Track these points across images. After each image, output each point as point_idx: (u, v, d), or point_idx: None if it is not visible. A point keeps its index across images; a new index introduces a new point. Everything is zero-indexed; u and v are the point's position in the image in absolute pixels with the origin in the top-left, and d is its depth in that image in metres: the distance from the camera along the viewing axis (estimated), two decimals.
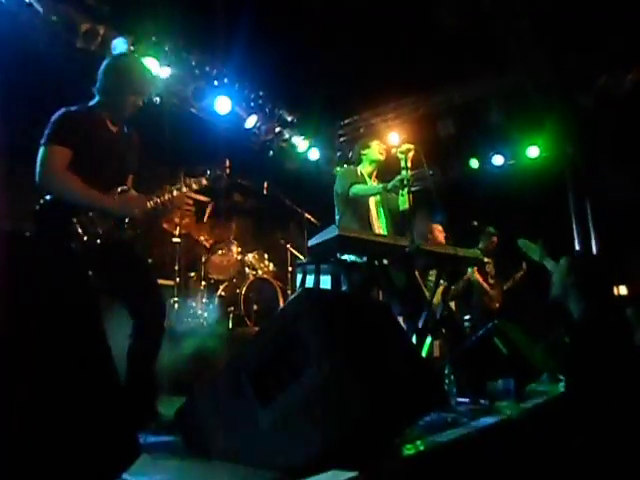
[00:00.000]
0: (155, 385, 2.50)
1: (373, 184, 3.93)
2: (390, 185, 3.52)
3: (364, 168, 3.97)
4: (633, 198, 5.76)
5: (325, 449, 1.55)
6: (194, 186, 2.78)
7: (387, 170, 4.00)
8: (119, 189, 2.57)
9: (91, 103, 2.63)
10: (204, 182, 2.85)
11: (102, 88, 2.61)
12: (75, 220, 2.37)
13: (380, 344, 1.97)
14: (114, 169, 2.57)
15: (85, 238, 2.37)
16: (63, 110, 2.49)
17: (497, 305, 5.84)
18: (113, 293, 2.43)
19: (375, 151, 3.93)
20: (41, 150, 2.40)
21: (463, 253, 3.58)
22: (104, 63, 2.65)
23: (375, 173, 4.00)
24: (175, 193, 2.68)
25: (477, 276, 5.77)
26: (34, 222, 2.41)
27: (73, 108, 2.53)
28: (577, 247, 7.01)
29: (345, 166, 4.09)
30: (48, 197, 2.41)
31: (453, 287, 5.51)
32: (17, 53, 4.03)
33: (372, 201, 3.86)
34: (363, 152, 3.99)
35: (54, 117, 2.46)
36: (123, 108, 2.62)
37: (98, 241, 2.41)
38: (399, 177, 3.49)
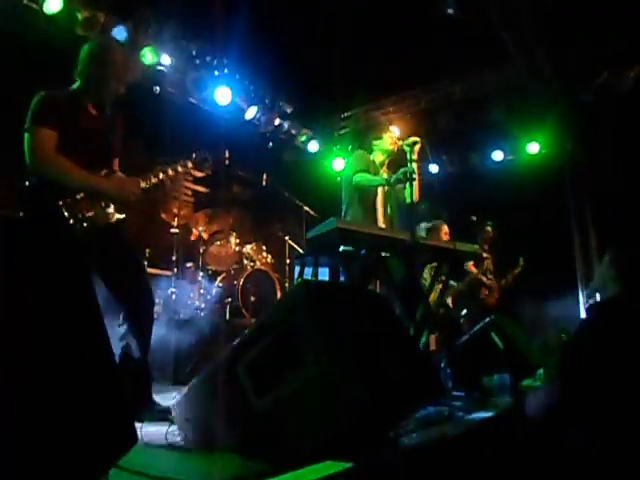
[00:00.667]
0: (149, 374, 2.50)
1: (384, 174, 3.93)
2: (393, 178, 3.53)
3: (376, 157, 3.97)
4: (632, 195, 5.76)
5: (321, 440, 1.55)
6: (180, 169, 2.76)
7: (393, 162, 4.01)
8: (103, 172, 2.54)
9: (72, 87, 2.61)
10: (189, 165, 2.83)
11: (81, 73, 2.58)
12: (61, 203, 2.34)
13: (378, 336, 1.97)
14: (97, 152, 2.54)
15: (71, 221, 2.34)
16: (42, 93, 2.46)
17: (495, 300, 5.86)
18: (101, 279, 2.40)
19: (387, 142, 3.92)
20: (26, 134, 2.38)
21: (461, 247, 3.58)
22: (84, 47, 2.62)
23: (387, 163, 3.99)
24: (161, 176, 2.66)
25: (473, 270, 5.78)
26: (19, 205, 2.39)
27: (53, 91, 2.51)
28: (575, 244, 7.02)
29: (359, 150, 4.05)
30: (33, 179, 2.38)
31: (456, 285, 5.52)
32: (15, 39, 4.00)
33: (380, 192, 3.86)
34: (375, 142, 3.99)
35: (34, 100, 2.44)
36: (102, 94, 2.59)
37: (85, 224, 2.38)
38: (402, 170, 3.49)
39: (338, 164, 7.47)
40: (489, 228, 5.87)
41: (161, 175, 2.67)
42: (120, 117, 2.75)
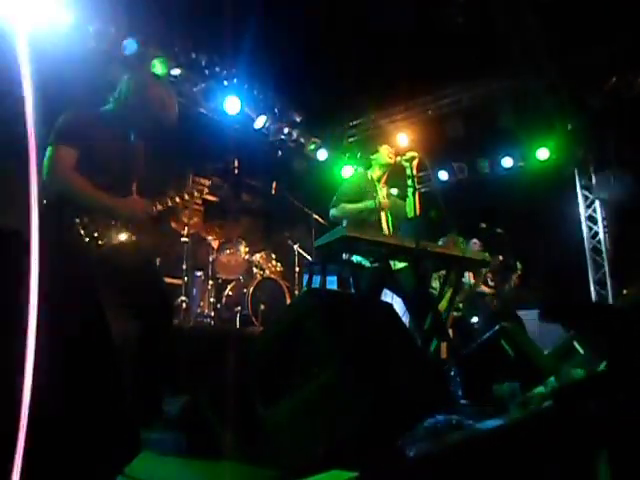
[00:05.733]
0: (161, 384, 2.51)
1: (382, 189, 3.95)
2: (369, 204, 3.68)
3: (374, 172, 3.98)
4: None
5: (328, 449, 1.56)
6: (196, 194, 2.82)
7: (393, 176, 4.03)
8: (121, 194, 2.58)
9: (104, 108, 2.66)
10: (206, 191, 2.90)
11: (120, 100, 2.62)
12: (77, 221, 2.38)
13: (385, 345, 1.97)
14: (118, 174, 2.58)
15: (87, 240, 2.38)
16: (73, 111, 2.51)
17: (497, 306, 5.83)
18: (119, 295, 2.43)
19: (384, 155, 3.93)
20: (49, 149, 2.42)
21: (470, 255, 3.57)
22: (132, 78, 2.67)
23: (385, 178, 4.00)
24: (178, 200, 2.71)
25: (472, 280, 5.75)
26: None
27: (83, 110, 2.56)
28: (586, 250, 6.98)
29: (358, 171, 4.12)
30: (51, 197, 2.41)
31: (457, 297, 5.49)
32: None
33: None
34: (372, 157, 4.01)
35: (63, 117, 2.49)
36: (135, 124, 2.65)
37: (100, 242, 2.42)
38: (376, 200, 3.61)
39: (347, 172, 7.49)
40: (518, 275, 5.91)
41: (177, 199, 2.72)
42: (143, 143, 2.79)
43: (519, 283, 5.94)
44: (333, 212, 3.81)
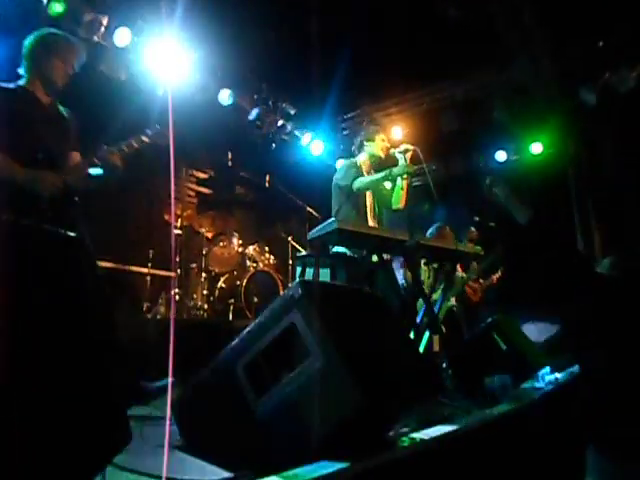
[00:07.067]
0: (129, 358, 2.46)
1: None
2: (394, 172, 3.55)
3: (362, 160, 3.95)
4: (636, 194, 5.74)
5: (318, 440, 1.56)
6: (134, 144, 2.73)
7: (384, 166, 4.01)
8: (69, 161, 2.56)
9: (20, 82, 2.63)
10: (145, 139, 2.78)
11: (29, 63, 2.61)
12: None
13: (376, 336, 1.97)
14: (50, 143, 2.53)
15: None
16: None
17: (478, 298, 5.87)
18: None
19: (378, 147, 3.91)
20: None
21: (463, 248, 3.58)
22: (25, 42, 2.65)
23: (372, 168, 3.98)
24: (125, 148, 2.68)
25: (462, 273, 5.78)
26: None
27: (2, 84, 2.53)
28: (579, 243, 7.00)
29: (347, 159, 4.08)
30: None
31: (451, 290, 5.51)
32: (16, 42, 4.02)
33: (369, 195, 3.86)
34: (366, 143, 3.98)
35: None
36: (54, 76, 2.62)
37: (49, 214, 2.39)
38: (402, 166, 3.51)
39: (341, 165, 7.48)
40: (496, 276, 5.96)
41: (125, 148, 2.67)
42: (71, 112, 2.75)
43: (495, 284, 5.99)
44: (358, 184, 3.69)
